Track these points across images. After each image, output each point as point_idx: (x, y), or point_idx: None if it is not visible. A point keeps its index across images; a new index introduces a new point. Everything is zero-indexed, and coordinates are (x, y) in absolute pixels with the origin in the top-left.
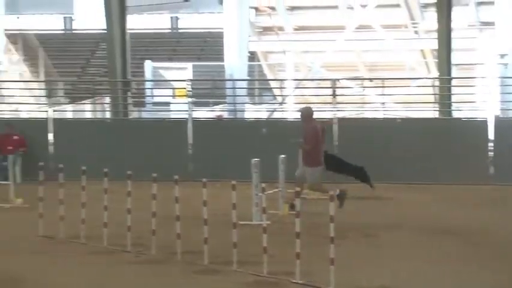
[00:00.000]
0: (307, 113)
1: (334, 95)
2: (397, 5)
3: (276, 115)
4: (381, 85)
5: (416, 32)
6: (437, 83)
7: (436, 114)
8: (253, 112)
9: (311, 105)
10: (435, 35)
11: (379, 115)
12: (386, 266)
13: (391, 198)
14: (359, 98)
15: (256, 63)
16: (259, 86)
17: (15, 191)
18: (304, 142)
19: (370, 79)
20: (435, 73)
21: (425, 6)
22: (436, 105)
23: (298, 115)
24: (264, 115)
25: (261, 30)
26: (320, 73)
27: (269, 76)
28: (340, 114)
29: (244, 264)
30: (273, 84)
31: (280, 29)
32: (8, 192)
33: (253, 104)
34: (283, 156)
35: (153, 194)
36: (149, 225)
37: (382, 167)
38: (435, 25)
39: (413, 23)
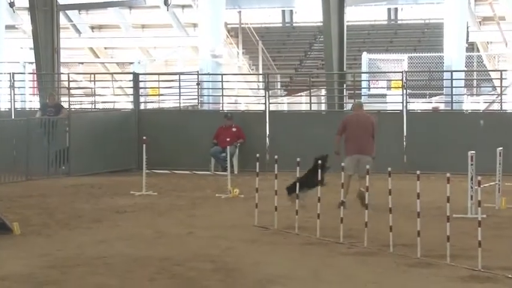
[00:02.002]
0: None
1: None
2: None
3: (495, 107)
4: None
5: None
6: None
7: None
8: (470, 104)
9: None
10: None
11: None
12: None
13: None
14: None
15: (475, 54)
16: (478, 77)
17: (232, 181)
18: None
19: None
20: None
21: None
22: None
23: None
24: (482, 107)
25: (481, 20)
26: None
27: (488, 67)
28: None
29: (458, 258)
30: (492, 75)
31: (502, 18)
32: (225, 182)
33: (471, 95)
34: (500, 148)
35: (366, 186)
36: (361, 217)
37: None
38: None
39: None
